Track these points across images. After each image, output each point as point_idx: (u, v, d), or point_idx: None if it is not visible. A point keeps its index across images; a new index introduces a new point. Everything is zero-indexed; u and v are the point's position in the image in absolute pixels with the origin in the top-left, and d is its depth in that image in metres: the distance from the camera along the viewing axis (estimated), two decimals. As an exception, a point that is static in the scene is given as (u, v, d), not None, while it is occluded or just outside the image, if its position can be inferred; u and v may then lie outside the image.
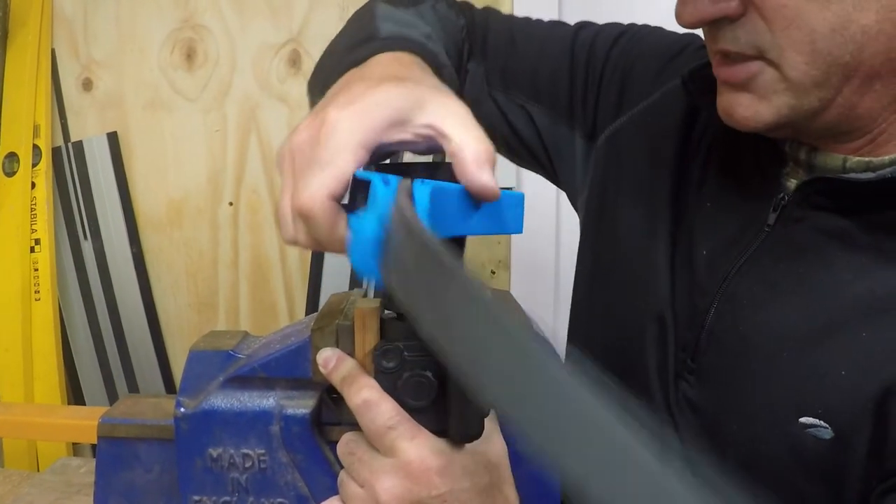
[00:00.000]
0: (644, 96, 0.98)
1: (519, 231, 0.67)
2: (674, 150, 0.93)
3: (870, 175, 0.75)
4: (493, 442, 0.75)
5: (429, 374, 0.70)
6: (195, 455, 0.79)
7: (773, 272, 0.82)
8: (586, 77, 1.02)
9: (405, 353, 0.71)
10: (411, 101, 0.64)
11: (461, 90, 1.01)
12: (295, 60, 1.92)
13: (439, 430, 0.71)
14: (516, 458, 0.80)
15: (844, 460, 0.74)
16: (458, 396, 0.69)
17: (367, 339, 0.73)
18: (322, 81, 0.83)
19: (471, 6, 1.10)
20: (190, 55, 1.98)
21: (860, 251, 0.77)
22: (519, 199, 0.66)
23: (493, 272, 1.96)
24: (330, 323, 0.75)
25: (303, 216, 0.63)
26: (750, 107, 0.77)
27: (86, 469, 1.50)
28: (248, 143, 1.98)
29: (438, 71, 0.80)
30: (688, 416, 0.85)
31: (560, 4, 1.84)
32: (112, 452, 0.85)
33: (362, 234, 0.41)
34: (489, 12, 1.11)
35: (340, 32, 0.96)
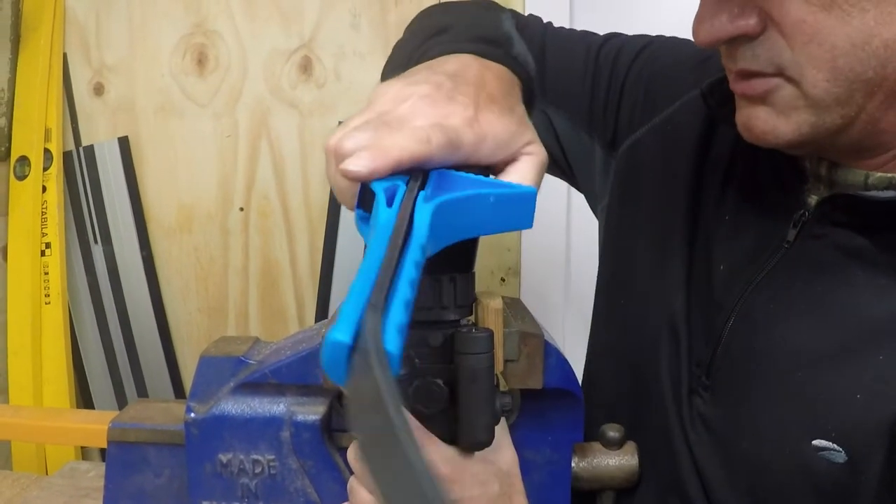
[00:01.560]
0: (664, 107, 0.98)
1: (529, 226, 0.67)
2: (692, 164, 0.92)
3: (891, 193, 0.74)
4: (503, 450, 0.75)
5: (439, 381, 0.70)
6: (205, 460, 0.80)
7: (791, 290, 0.80)
8: (608, 88, 1.02)
9: (416, 361, 0.71)
10: (509, 149, 0.69)
11: None
12: (306, 66, 1.93)
13: (450, 438, 0.71)
14: (527, 466, 0.80)
15: (857, 485, 0.73)
16: (469, 404, 0.69)
17: (377, 345, 0.73)
18: (422, 53, 0.85)
19: (514, 10, 1.10)
20: (201, 61, 1.98)
21: (880, 271, 0.76)
22: (531, 196, 0.66)
23: (503, 279, 1.96)
24: (341, 329, 0.75)
25: (338, 159, 0.62)
26: (768, 121, 0.75)
27: (94, 473, 1.50)
28: (259, 149, 1.98)
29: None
30: (701, 432, 0.84)
31: (571, 4, 1.83)
32: (122, 457, 0.85)
33: (334, 339, 0.40)
34: (530, 18, 1.11)
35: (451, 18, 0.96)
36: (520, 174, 0.69)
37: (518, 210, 0.65)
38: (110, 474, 0.85)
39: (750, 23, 0.71)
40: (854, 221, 0.78)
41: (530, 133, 0.72)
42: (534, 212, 0.66)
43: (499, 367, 0.73)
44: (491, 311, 0.73)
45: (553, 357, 0.77)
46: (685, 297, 0.89)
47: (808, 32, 0.68)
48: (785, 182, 0.84)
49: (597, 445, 0.85)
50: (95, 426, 1.67)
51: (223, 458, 0.79)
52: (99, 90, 2.04)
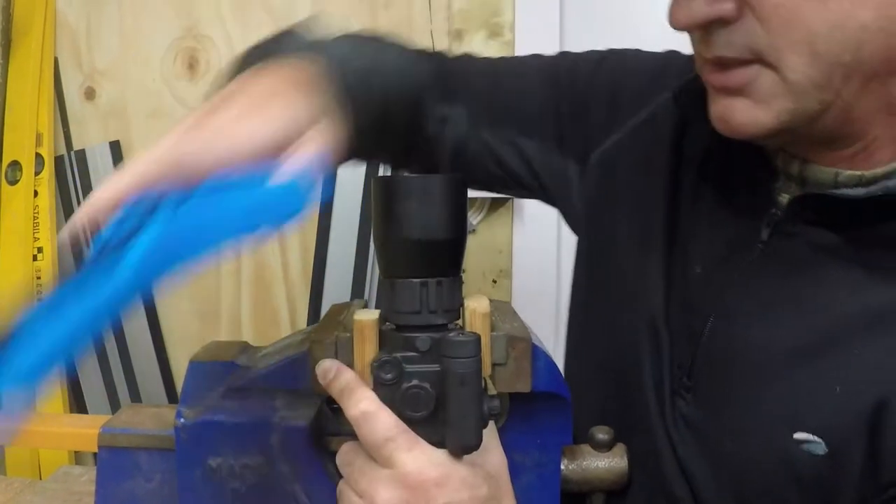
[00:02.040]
0: (631, 115, 0.98)
1: (291, 220, 0.64)
2: (667, 167, 0.93)
3: (860, 191, 0.74)
4: (492, 453, 0.75)
5: (427, 385, 0.70)
6: (195, 465, 0.80)
7: (767, 288, 0.81)
8: (572, 104, 1.02)
9: (404, 365, 0.71)
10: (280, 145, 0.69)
11: (442, 134, 1.01)
12: (297, 70, 1.93)
13: (438, 442, 0.71)
14: (516, 469, 0.80)
15: (839, 475, 0.74)
16: (457, 408, 0.69)
17: (366, 350, 0.73)
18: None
19: (442, 54, 1.10)
20: (192, 65, 1.98)
21: (853, 267, 0.77)
22: (286, 191, 0.64)
23: (495, 282, 1.96)
24: (329, 334, 0.75)
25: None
26: (747, 112, 0.74)
27: (87, 477, 1.50)
28: (250, 153, 1.98)
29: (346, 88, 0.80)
30: (684, 433, 0.85)
31: (561, 4, 1.84)
32: (112, 462, 0.85)
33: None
34: (467, 56, 1.10)
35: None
36: (289, 166, 0.66)
37: (280, 205, 0.64)
38: (101, 479, 0.86)
39: (726, 6, 0.70)
40: (825, 219, 0.78)
41: (310, 120, 0.71)
42: (303, 202, 0.64)
43: (486, 370, 0.74)
44: (478, 315, 0.73)
45: (541, 360, 0.77)
46: (664, 299, 0.89)
47: (786, 16, 0.68)
48: (757, 182, 0.85)
49: (586, 448, 0.85)
50: (88, 431, 1.65)
51: (213, 462, 0.80)
52: (90, 95, 2.04)
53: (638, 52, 1.04)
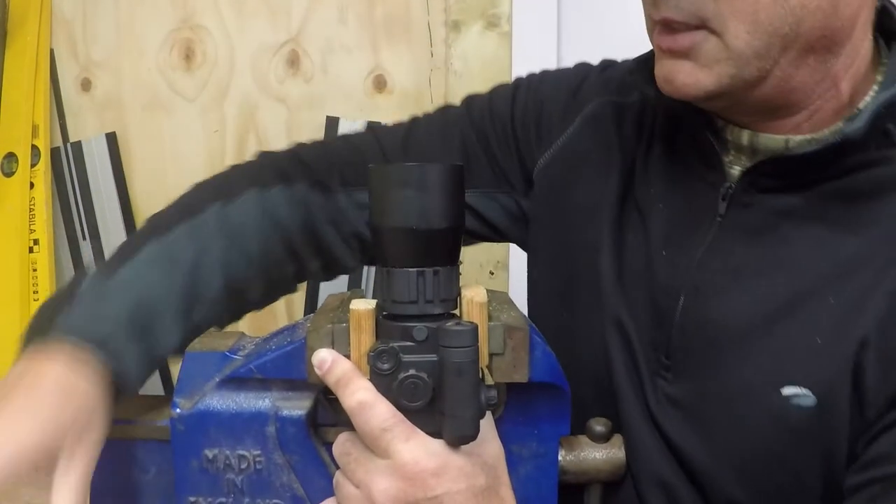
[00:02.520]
0: (562, 130, 1.00)
1: None
2: (616, 160, 0.95)
3: (814, 146, 0.78)
4: (489, 443, 0.75)
5: (424, 375, 0.70)
6: (191, 456, 0.80)
7: (733, 259, 0.84)
8: (499, 141, 1.03)
9: (401, 355, 0.71)
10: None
11: (340, 223, 1.01)
12: (294, 61, 1.92)
13: (435, 432, 0.71)
14: (514, 460, 0.80)
15: (830, 423, 0.76)
16: (454, 398, 0.69)
17: (362, 340, 0.73)
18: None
19: (326, 142, 1.11)
20: (188, 56, 1.98)
21: (813, 224, 0.80)
22: None
23: (492, 273, 1.96)
24: (325, 324, 0.75)
25: None
26: (691, 74, 0.78)
27: (83, 470, 1.49)
28: (247, 144, 1.98)
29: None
30: (669, 411, 0.86)
31: (559, 4, 1.84)
32: (108, 453, 0.85)
33: None
34: (364, 135, 1.09)
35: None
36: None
37: None
38: (97, 471, 0.85)
39: None
40: (781, 184, 0.82)
41: (76, 425, 0.73)
42: None
43: (484, 360, 0.73)
44: (475, 305, 0.73)
45: (538, 350, 0.77)
46: (620, 290, 0.91)
47: None
48: (707, 159, 0.87)
49: (584, 439, 0.85)
50: (84, 423, 1.66)
51: (209, 453, 0.79)
52: (86, 86, 2.03)
53: (552, 73, 1.07)
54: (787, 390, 0.78)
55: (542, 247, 1.02)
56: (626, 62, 0.94)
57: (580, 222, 0.96)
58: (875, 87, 0.82)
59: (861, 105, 0.81)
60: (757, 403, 0.80)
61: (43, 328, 0.79)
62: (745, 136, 0.84)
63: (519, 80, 1.07)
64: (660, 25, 0.79)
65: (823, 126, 0.82)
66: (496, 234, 1.07)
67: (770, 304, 0.81)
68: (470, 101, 1.08)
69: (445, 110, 1.09)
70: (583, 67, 1.06)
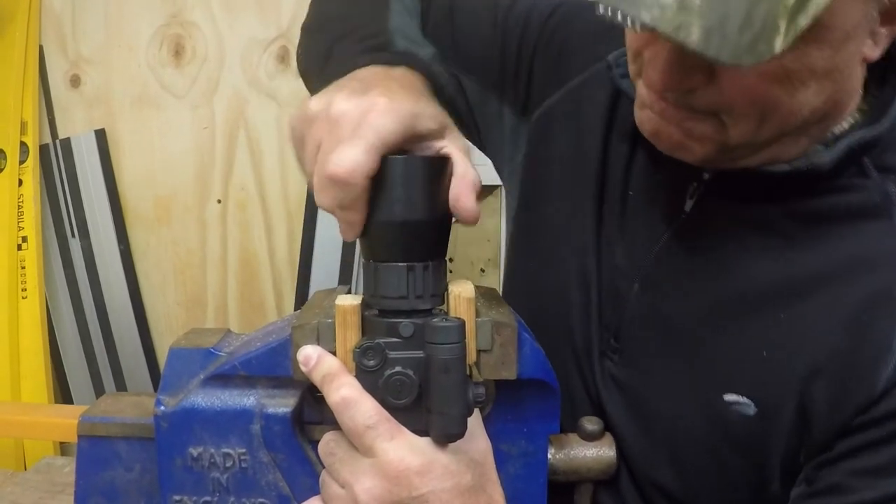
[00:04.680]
0: (576, 73, 0.98)
1: None
2: (601, 134, 0.94)
3: (784, 167, 0.77)
4: (476, 440, 0.74)
5: (410, 372, 0.69)
6: (175, 454, 0.78)
7: (690, 258, 0.84)
8: (518, 50, 1.01)
9: (387, 351, 0.70)
10: (440, 122, 0.73)
11: None
12: (283, 57, 1.91)
13: (421, 430, 0.70)
14: (502, 458, 0.79)
15: (768, 434, 0.77)
16: (441, 396, 0.68)
17: (348, 336, 0.72)
18: (332, 65, 0.90)
19: None
20: (178, 52, 1.97)
21: (775, 237, 0.80)
22: None
23: (483, 270, 1.96)
24: (311, 320, 0.74)
25: (339, 183, 0.66)
26: (681, 142, 0.77)
27: (70, 468, 1.49)
28: (237, 140, 1.97)
29: (440, 91, 0.87)
30: (613, 392, 0.87)
31: None
32: (92, 451, 0.84)
33: None
34: None
35: (345, 15, 1.00)
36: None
37: None
38: (81, 469, 0.84)
39: (696, 79, 0.71)
40: (747, 193, 0.81)
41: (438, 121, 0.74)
42: None
43: (471, 357, 0.73)
44: (463, 300, 0.72)
45: (527, 347, 0.76)
46: (596, 260, 0.91)
47: (755, 98, 0.70)
48: None
49: (573, 437, 0.84)
50: (71, 421, 1.64)
51: (194, 451, 0.78)
52: (75, 82, 2.03)
53: (591, 8, 1.03)
54: (729, 397, 0.79)
55: (526, 188, 1.02)
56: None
57: (563, 180, 0.96)
58: (856, 115, 0.80)
59: (837, 130, 0.79)
60: (699, 404, 0.81)
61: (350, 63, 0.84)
62: None
63: (559, 5, 1.03)
64: (658, 93, 0.75)
65: (792, 153, 0.80)
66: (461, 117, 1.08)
67: (720, 309, 0.81)
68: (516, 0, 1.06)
69: None
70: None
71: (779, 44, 0.60)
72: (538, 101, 1.00)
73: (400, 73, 0.81)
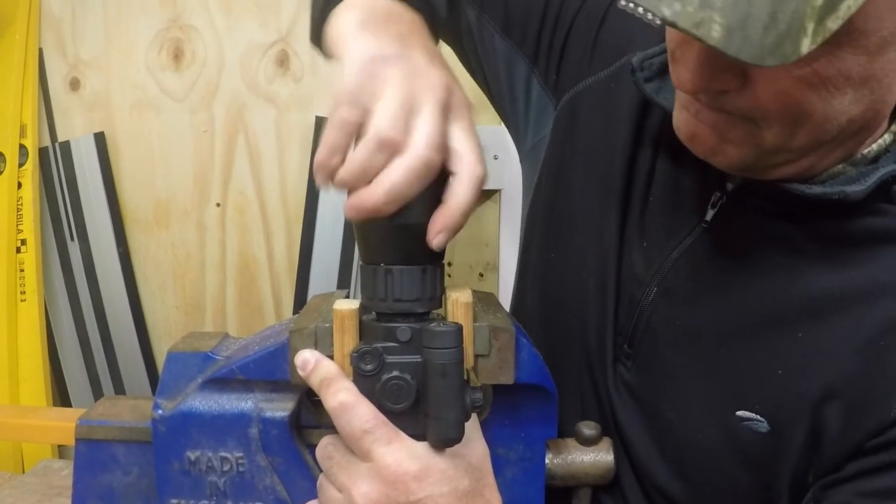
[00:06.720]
0: (610, 61, 0.96)
1: None
2: (629, 133, 0.92)
3: (815, 189, 0.75)
4: (474, 445, 0.74)
5: (408, 376, 0.69)
6: (173, 458, 0.79)
7: (709, 269, 0.83)
8: (556, 23, 1.00)
9: (384, 356, 0.70)
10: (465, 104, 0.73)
11: None
12: (283, 61, 1.91)
13: (419, 434, 0.70)
14: (500, 463, 0.79)
15: (778, 453, 0.77)
16: (438, 400, 0.68)
17: (345, 340, 0.72)
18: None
19: None
20: (177, 55, 1.97)
21: (796, 254, 0.79)
22: None
23: (482, 275, 1.95)
24: (309, 324, 0.74)
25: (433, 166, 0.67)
26: (717, 146, 0.76)
27: (67, 471, 1.49)
28: (236, 144, 1.97)
29: (435, 27, 0.86)
30: (625, 398, 0.87)
31: None
32: (90, 454, 0.84)
33: None
34: None
35: None
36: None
37: None
38: (78, 472, 0.84)
39: (731, 83, 0.70)
40: (770, 208, 0.80)
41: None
42: None
43: (469, 362, 0.73)
44: (460, 305, 0.72)
45: (525, 351, 0.76)
46: (617, 263, 0.90)
47: (789, 103, 0.68)
48: (707, 164, 0.83)
49: (571, 442, 0.84)
50: (70, 424, 1.64)
51: (191, 455, 0.78)
52: (75, 85, 2.03)
53: None
54: (742, 413, 0.78)
55: (551, 172, 1.00)
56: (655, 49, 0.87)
57: (589, 172, 0.94)
58: (887, 137, 0.78)
59: (867, 149, 0.78)
60: (711, 417, 0.80)
61: None
62: None
63: None
64: (693, 95, 0.74)
65: (826, 163, 0.78)
66: (481, 73, 1.08)
67: (736, 323, 0.80)
68: None
69: None
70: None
71: (805, 46, 0.58)
72: (568, 82, 0.99)
73: (399, 9, 0.81)
